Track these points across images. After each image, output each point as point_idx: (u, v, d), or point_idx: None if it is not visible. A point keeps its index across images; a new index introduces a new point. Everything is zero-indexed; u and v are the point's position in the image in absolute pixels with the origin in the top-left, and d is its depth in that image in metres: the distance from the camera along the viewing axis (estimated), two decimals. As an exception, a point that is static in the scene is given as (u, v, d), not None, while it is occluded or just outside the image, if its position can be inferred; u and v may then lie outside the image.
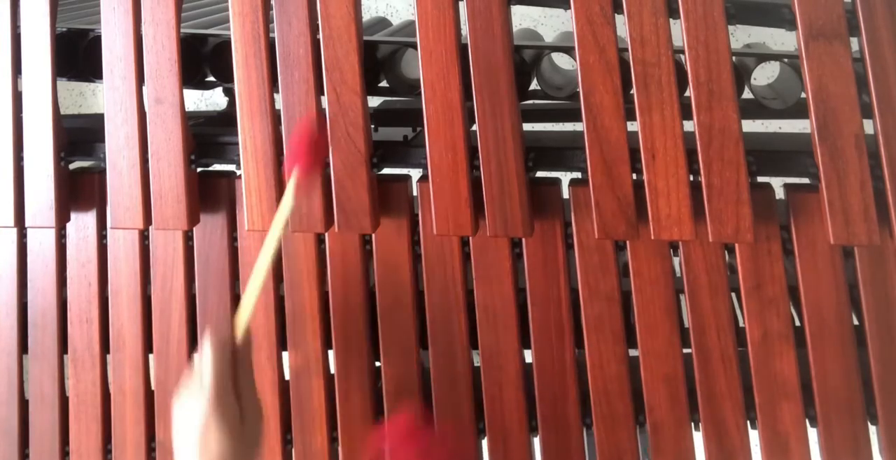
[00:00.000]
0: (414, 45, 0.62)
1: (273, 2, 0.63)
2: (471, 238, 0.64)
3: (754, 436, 0.62)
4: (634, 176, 0.59)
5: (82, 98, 1.65)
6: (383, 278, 0.65)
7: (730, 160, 0.57)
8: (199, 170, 0.68)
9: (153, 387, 0.70)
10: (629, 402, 0.63)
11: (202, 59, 0.75)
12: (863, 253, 0.60)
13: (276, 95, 0.64)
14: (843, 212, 0.57)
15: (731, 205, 0.58)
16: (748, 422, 0.62)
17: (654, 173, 0.58)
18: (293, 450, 0.68)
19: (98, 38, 0.66)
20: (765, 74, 0.82)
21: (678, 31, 0.58)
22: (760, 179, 0.61)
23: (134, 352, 0.69)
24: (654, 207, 0.58)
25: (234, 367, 0.52)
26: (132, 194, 0.66)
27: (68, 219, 0.70)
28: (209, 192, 0.68)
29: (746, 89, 0.70)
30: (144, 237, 0.70)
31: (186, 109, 0.66)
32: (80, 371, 0.70)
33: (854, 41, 0.58)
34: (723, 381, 0.62)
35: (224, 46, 0.74)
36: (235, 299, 0.69)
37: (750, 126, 0.61)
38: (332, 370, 0.67)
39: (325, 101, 0.63)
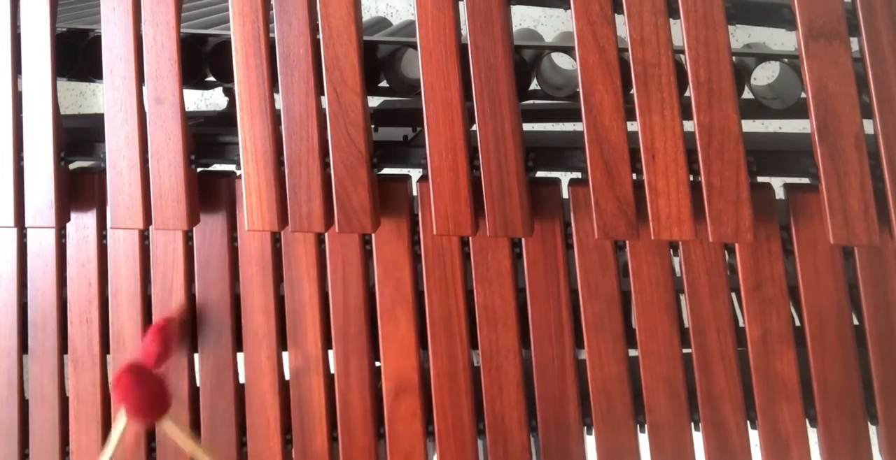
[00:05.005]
0: (414, 45, 0.62)
1: (273, 2, 0.63)
2: (471, 238, 0.64)
3: (754, 436, 0.62)
4: (634, 176, 0.59)
5: (82, 98, 1.65)
6: (383, 278, 0.65)
7: (730, 160, 0.57)
8: (199, 170, 0.68)
9: (153, 387, 0.70)
10: (629, 402, 0.63)
11: (202, 59, 0.75)
12: (863, 253, 0.60)
13: (276, 95, 0.64)
14: (843, 212, 0.57)
15: (731, 205, 0.58)
16: (748, 422, 0.62)
17: (654, 173, 0.58)
18: (293, 450, 0.68)
19: (98, 38, 0.66)
20: (765, 74, 0.82)
21: (678, 31, 0.58)
22: (760, 179, 0.61)
23: (134, 352, 0.69)
24: (654, 207, 0.58)
25: None
26: (132, 194, 0.66)
27: (68, 219, 0.70)
28: (209, 192, 0.68)
29: (746, 89, 0.70)
30: (144, 237, 0.70)
31: (186, 109, 0.66)
32: (80, 371, 0.70)
33: (854, 41, 0.58)
34: (723, 381, 0.62)
35: (224, 46, 0.74)
36: (235, 299, 0.69)
37: (750, 126, 0.61)
38: (332, 370, 0.67)
39: (325, 101, 0.63)
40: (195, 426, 0.69)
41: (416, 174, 0.66)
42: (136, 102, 0.66)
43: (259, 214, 0.64)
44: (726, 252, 0.63)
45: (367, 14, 1.39)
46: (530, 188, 0.61)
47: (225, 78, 0.75)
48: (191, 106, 1.17)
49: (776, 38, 1.10)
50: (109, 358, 0.70)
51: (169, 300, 0.69)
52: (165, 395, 0.58)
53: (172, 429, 0.59)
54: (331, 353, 0.67)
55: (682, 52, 0.58)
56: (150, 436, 0.69)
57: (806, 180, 0.61)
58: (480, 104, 0.60)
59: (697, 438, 0.63)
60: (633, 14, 0.58)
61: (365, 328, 0.66)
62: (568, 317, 0.64)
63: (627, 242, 0.62)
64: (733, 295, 0.64)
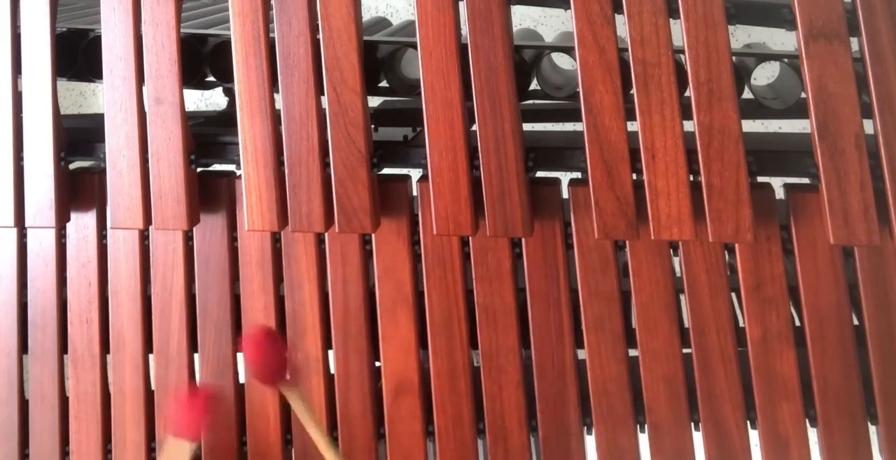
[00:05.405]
0: (414, 45, 0.62)
1: (273, 2, 0.63)
2: (471, 238, 0.64)
3: (754, 436, 0.62)
4: (634, 176, 0.59)
5: (82, 98, 1.65)
6: (383, 278, 0.65)
7: (730, 160, 0.57)
8: (199, 170, 0.68)
9: (153, 387, 0.70)
10: (629, 402, 0.63)
11: (202, 59, 0.75)
12: (863, 253, 0.60)
13: (276, 95, 0.64)
14: (843, 212, 0.57)
15: (731, 205, 0.58)
16: (748, 422, 0.62)
17: (654, 173, 0.58)
18: (293, 450, 0.68)
19: (98, 38, 0.66)
20: (765, 74, 0.82)
21: (678, 31, 0.58)
22: (760, 179, 0.61)
23: (134, 352, 0.69)
24: (654, 207, 0.58)
25: None
26: (132, 194, 0.66)
27: (68, 219, 0.70)
28: (209, 192, 0.68)
29: (746, 89, 0.70)
30: (144, 237, 0.70)
31: (186, 109, 0.66)
32: (80, 371, 0.70)
33: (854, 41, 0.58)
34: (723, 381, 0.62)
35: (224, 46, 0.74)
36: (235, 299, 0.69)
37: (750, 126, 0.61)
38: (333, 370, 0.67)
39: (325, 101, 0.63)
40: (195, 426, 0.69)
41: (416, 174, 0.66)
42: (136, 102, 0.66)
43: (259, 214, 0.64)
44: (726, 252, 0.63)
45: (367, 14, 1.39)
46: (530, 188, 0.61)
47: (225, 78, 0.75)
48: (191, 106, 1.17)
49: (776, 38, 1.10)
50: (109, 358, 0.70)
51: (169, 300, 0.69)
52: (285, 367, 0.59)
53: (294, 400, 0.60)
54: (331, 353, 0.67)
55: (682, 52, 0.58)
56: (150, 437, 0.69)
57: (806, 180, 0.61)
58: (480, 104, 0.60)
59: (697, 438, 0.63)
60: (633, 14, 0.58)
61: (365, 328, 0.66)
62: (568, 317, 0.64)
63: (627, 242, 0.62)
64: (733, 295, 0.64)
